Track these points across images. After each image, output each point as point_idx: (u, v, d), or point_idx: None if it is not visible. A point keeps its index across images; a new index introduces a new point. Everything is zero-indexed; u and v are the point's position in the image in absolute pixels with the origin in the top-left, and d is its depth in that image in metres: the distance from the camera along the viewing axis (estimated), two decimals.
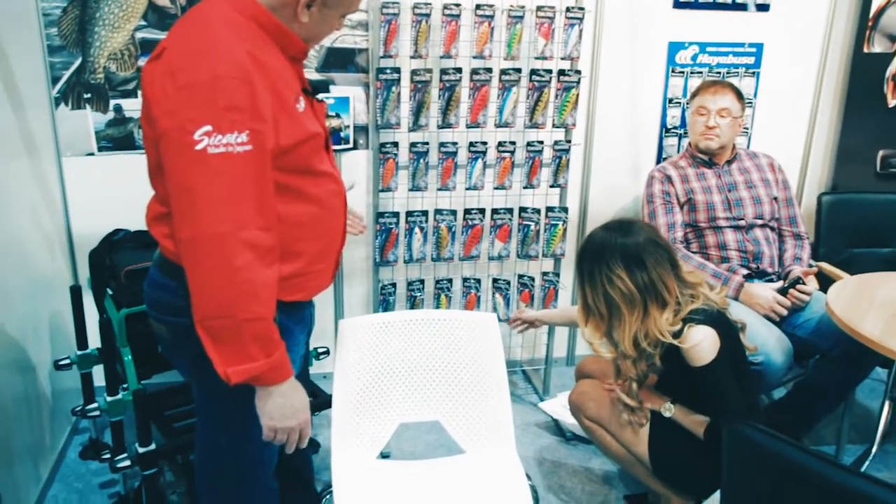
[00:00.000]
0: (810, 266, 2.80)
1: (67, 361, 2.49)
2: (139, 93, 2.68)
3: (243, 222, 1.36)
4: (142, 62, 2.68)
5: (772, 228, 2.84)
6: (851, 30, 3.18)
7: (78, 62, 2.65)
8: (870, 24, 3.15)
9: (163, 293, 1.56)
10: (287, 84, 1.48)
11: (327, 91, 2.83)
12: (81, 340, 2.50)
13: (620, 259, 1.97)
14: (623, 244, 1.99)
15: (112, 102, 2.70)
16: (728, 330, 2.03)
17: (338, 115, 2.88)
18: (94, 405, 2.42)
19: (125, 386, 2.32)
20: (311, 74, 2.82)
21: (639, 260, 1.97)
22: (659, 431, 2.12)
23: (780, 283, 2.68)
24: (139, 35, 2.66)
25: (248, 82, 1.36)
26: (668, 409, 2.11)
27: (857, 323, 2.22)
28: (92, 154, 2.74)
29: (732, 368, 2.00)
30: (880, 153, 3.35)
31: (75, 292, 2.47)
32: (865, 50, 3.19)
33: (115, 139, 2.74)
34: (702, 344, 1.94)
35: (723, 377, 1.98)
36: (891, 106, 3.29)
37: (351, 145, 2.91)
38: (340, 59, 2.85)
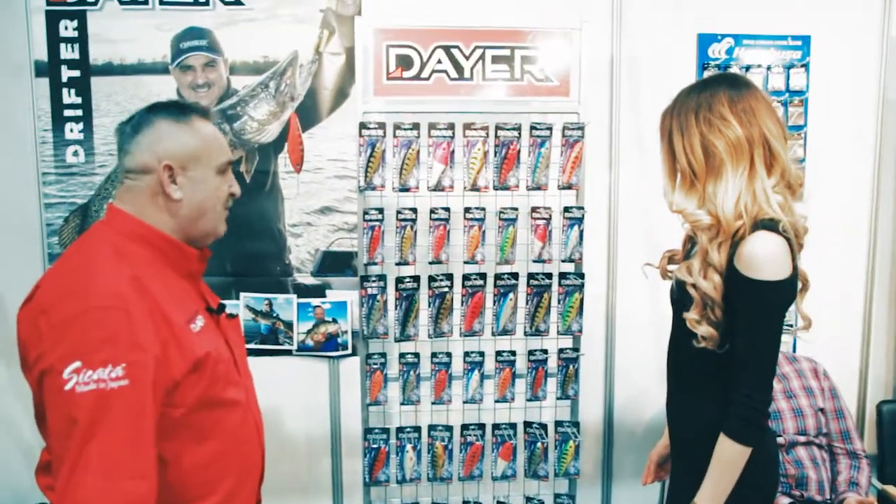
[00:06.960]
0: (874, 491, 2.37)
1: None
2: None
3: (112, 471, 1.20)
4: None
5: (819, 446, 2.44)
6: None
7: None
8: None
9: None
10: (179, 305, 1.38)
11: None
12: None
13: (727, 102, 1.60)
14: (730, 90, 1.62)
15: None
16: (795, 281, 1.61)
17: (335, 321, 2.74)
18: None
19: None
20: (307, 279, 2.71)
21: (748, 108, 1.60)
22: None
23: None
24: None
25: (124, 310, 1.24)
26: None
27: None
28: None
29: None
30: None
31: None
32: None
33: None
34: (776, 249, 1.53)
35: (775, 324, 1.56)
36: None
37: (350, 351, 2.75)
38: (337, 263, 2.74)
